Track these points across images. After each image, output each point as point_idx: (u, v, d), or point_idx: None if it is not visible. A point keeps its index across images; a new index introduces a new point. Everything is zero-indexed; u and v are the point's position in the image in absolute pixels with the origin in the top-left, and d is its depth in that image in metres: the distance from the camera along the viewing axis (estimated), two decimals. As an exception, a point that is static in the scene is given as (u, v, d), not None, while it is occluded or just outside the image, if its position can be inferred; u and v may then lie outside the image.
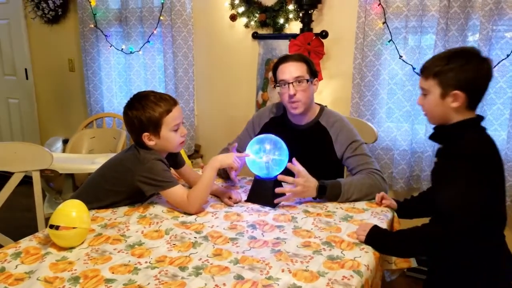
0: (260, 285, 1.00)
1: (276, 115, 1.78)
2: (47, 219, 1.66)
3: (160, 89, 2.88)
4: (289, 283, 1.01)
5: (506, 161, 2.03)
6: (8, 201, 1.77)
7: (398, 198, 1.55)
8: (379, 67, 2.27)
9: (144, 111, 1.37)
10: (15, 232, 1.70)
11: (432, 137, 1.27)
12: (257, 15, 2.58)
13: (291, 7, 2.46)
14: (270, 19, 2.54)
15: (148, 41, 2.86)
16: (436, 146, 2.14)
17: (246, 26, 2.65)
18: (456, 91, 1.14)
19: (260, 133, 1.72)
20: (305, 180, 1.46)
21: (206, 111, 2.96)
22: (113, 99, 3.15)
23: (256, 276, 1.03)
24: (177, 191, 1.40)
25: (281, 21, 2.51)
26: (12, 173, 1.75)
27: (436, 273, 1.30)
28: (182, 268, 1.07)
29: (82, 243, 1.20)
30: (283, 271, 1.06)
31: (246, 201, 1.53)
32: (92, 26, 3.00)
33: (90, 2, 2.95)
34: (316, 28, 2.37)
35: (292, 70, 1.60)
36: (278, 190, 1.45)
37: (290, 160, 1.47)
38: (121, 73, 3.11)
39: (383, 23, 2.20)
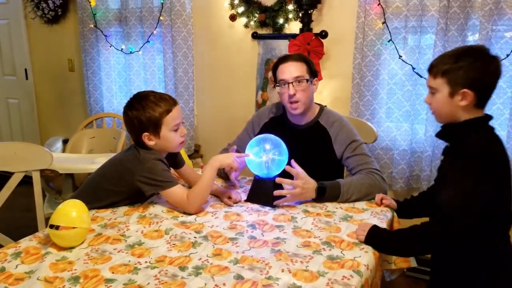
0: (260, 285, 1.00)
1: (275, 115, 1.78)
2: (47, 219, 1.66)
3: (160, 89, 2.88)
4: (289, 283, 1.01)
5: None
6: (8, 201, 1.77)
7: (397, 198, 1.55)
8: (378, 67, 2.27)
9: (144, 111, 1.37)
10: (15, 232, 1.70)
11: (439, 135, 1.26)
12: (256, 15, 2.58)
13: (290, 7, 2.46)
14: (269, 19, 2.54)
15: (148, 41, 2.86)
16: (437, 145, 2.16)
17: (246, 26, 2.66)
18: (464, 90, 1.13)
19: (259, 133, 1.72)
20: (304, 182, 1.46)
21: (205, 111, 2.96)
22: (113, 99, 3.16)
23: (256, 276, 1.04)
24: (177, 191, 1.40)
25: (281, 21, 2.51)
26: (12, 173, 1.75)
27: (438, 273, 1.30)
28: (182, 268, 1.07)
29: (82, 243, 1.20)
30: (283, 271, 1.06)
31: (246, 201, 1.53)
32: (92, 26, 3.00)
33: (90, 2, 2.95)
34: (316, 28, 2.37)
35: (292, 70, 1.60)
36: (276, 192, 1.45)
37: (290, 160, 1.47)
38: (121, 73, 3.11)
39: (383, 23, 2.20)
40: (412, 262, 1.41)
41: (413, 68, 2.18)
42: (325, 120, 1.69)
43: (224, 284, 1.00)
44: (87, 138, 2.82)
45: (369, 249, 1.18)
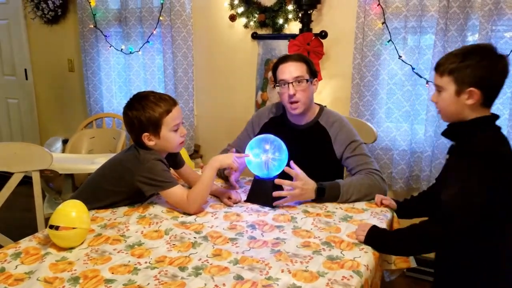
0: (260, 285, 1.00)
1: (275, 115, 1.78)
2: (46, 220, 1.66)
3: (160, 89, 2.88)
4: (289, 283, 1.01)
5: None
6: (7, 201, 1.77)
7: (397, 198, 1.55)
8: (378, 67, 2.27)
9: (144, 111, 1.37)
10: (15, 232, 1.70)
11: (445, 134, 1.25)
12: (256, 15, 2.58)
13: (290, 7, 2.46)
14: (269, 19, 2.54)
15: (148, 41, 2.86)
16: (436, 145, 2.16)
17: (246, 26, 2.66)
18: (471, 88, 1.13)
19: (259, 133, 1.72)
20: (303, 183, 1.46)
21: (205, 111, 2.96)
22: (113, 99, 3.16)
23: (255, 276, 1.04)
24: (177, 191, 1.40)
25: (281, 21, 2.51)
26: (12, 174, 1.75)
27: (440, 274, 1.30)
28: (182, 268, 1.07)
29: (82, 243, 1.20)
30: (282, 271, 1.06)
31: (246, 201, 1.53)
32: (92, 26, 3.00)
33: (89, 3, 2.95)
34: (316, 28, 2.37)
35: (292, 70, 1.60)
36: (276, 193, 1.45)
37: (289, 160, 1.47)
38: (121, 73, 3.11)
39: (383, 23, 2.21)
40: (412, 262, 1.41)
41: (413, 68, 2.18)
42: (325, 120, 1.69)
43: (224, 285, 1.00)
44: (87, 138, 2.82)
45: (368, 249, 1.18)
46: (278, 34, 2.54)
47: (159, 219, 1.36)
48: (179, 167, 1.61)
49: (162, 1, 2.75)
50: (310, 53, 2.29)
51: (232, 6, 2.66)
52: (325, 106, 1.78)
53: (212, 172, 1.42)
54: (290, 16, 2.49)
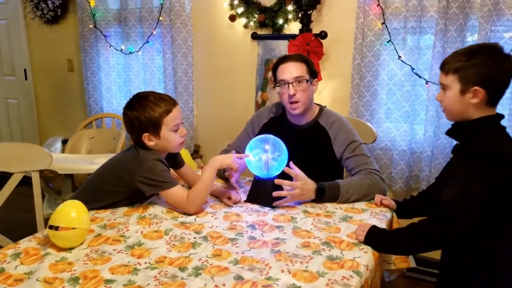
0: (260, 285, 1.00)
1: (275, 115, 1.78)
2: (46, 220, 1.65)
3: (160, 90, 2.88)
4: (289, 283, 1.01)
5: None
6: (7, 201, 1.77)
7: (397, 198, 1.55)
8: (378, 68, 2.27)
9: (144, 111, 1.37)
10: (14, 232, 1.70)
11: (449, 133, 1.25)
12: (256, 15, 2.58)
13: (290, 7, 2.46)
14: (269, 19, 2.54)
15: (148, 42, 2.86)
16: (436, 145, 2.16)
17: (245, 26, 2.66)
18: (476, 87, 1.13)
19: (259, 133, 1.72)
20: (303, 183, 1.46)
21: (205, 111, 2.96)
22: (113, 99, 3.15)
23: (255, 276, 1.04)
24: (177, 192, 1.40)
25: (280, 21, 2.51)
26: (11, 174, 1.75)
27: (441, 274, 1.30)
28: (182, 269, 1.07)
29: (82, 243, 1.20)
30: (282, 271, 1.06)
31: (246, 201, 1.53)
32: (92, 26, 3.00)
33: (89, 3, 2.95)
34: (315, 29, 2.37)
35: (292, 70, 1.60)
36: (276, 193, 1.45)
37: (289, 160, 1.47)
38: (121, 73, 3.11)
39: (382, 23, 2.21)
40: (411, 262, 1.41)
41: (412, 69, 2.18)
42: (324, 120, 1.69)
43: (224, 285, 1.00)
44: (87, 138, 2.82)
45: (368, 249, 1.18)
46: (278, 34, 2.54)
47: (159, 219, 1.36)
48: (179, 167, 1.61)
49: (162, 1, 2.75)
50: (310, 53, 2.29)
51: (232, 6, 2.66)
52: (325, 106, 1.78)
53: (212, 173, 1.42)
54: (290, 16, 2.49)
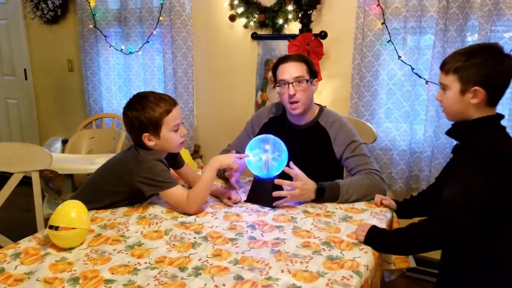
0: (260, 285, 1.00)
1: (275, 115, 1.78)
2: (46, 220, 1.65)
3: (160, 90, 2.88)
4: (289, 284, 1.01)
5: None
6: (7, 201, 1.77)
7: (397, 198, 1.55)
8: (378, 68, 2.27)
9: (144, 111, 1.37)
10: (14, 232, 1.70)
11: (449, 133, 1.25)
12: (256, 15, 2.58)
13: (290, 7, 2.47)
14: (269, 19, 2.54)
15: (148, 42, 2.86)
16: (436, 145, 2.16)
17: (245, 26, 2.66)
18: (476, 87, 1.13)
19: (259, 133, 1.72)
20: (303, 183, 1.46)
21: (205, 111, 2.96)
22: (112, 99, 3.15)
23: (255, 276, 1.04)
24: (177, 192, 1.40)
25: (280, 21, 2.51)
26: (11, 174, 1.75)
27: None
28: (182, 269, 1.07)
29: (82, 243, 1.20)
30: (282, 271, 1.06)
31: (246, 201, 1.53)
32: (92, 26, 3.00)
33: (89, 3, 2.95)
34: (315, 29, 2.37)
35: (292, 70, 1.60)
36: (276, 193, 1.45)
37: (289, 160, 1.47)
38: (120, 73, 3.11)
39: (382, 23, 2.21)
40: (411, 262, 1.41)
41: (412, 69, 2.18)
42: (324, 120, 1.69)
43: (224, 285, 1.00)
44: (87, 138, 2.82)
45: (368, 249, 1.18)
46: (278, 34, 2.54)
47: (159, 219, 1.36)
48: (179, 167, 1.61)
49: (162, 1, 2.75)
50: (310, 53, 2.29)
51: (232, 6, 2.66)
52: (325, 106, 1.79)
53: (212, 173, 1.42)
54: (290, 16, 2.49)
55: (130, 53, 2.93)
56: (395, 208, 1.48)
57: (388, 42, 2.22)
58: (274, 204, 1.46)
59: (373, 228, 1.22)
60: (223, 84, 2.85)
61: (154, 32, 2.82)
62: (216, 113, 2.92)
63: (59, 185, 2.36)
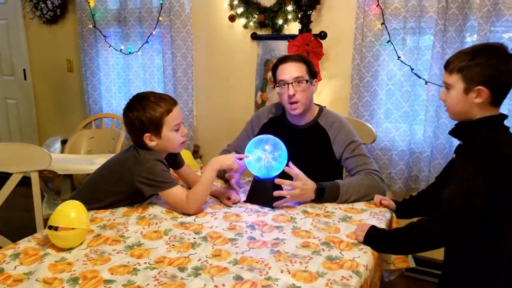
0: (260, 285, 1.00)
1: (275, 115, 1.78)
2: (46, 220, 1.65)
3: (159, 90, 2.88)
4: (288, 284, 1.01)
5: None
6: (6, 201, 1.76)
7: (396, 199, 1.55)
8: (377, 68, 2.27)
9: (145, 111, 1.37)
10: (14, 232, 1.70)
11: (452, 133, 1.25)
12: (256, 15, 2.58)
13: (290, 8, 2.47)
14: (269, 19, 2.54)
15: (147, 42, 2.86)
16: (435, 146, 2.17)
17: (245, 26, 2.66)
18: (480, 87, 1.13)
19: (259, 133, 1.72)
20: (303, 183, 1.46)
21: (205, 111, 2.96)
22: (112, 99, 3.15)
23: (255, 276, 1.04)
24: (176, 192, 1.40)
25: (280, 22, 2.51)
26: (10, 174, 1.75)
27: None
28: (181, 269, 1.07)
29: (81, 244, 1.20)
30: (282, 271, 1.06)
31: (245, 201, 1.53)
32: (91, 26, 3.00)
33: (88, 3, 2.95)
34: (315, 29, 2.37)
35: (291, 71, 1.60)
36: (276, 193, 1.45)
37: (289, 160, 1.47)
38: (120, 73, 3.11)
39: (382, 24, 2.21)
40: (411, 262, 1.41)
41: (412, 69, 2.18)
42: (324, 120, 1.69)
43: (223, 285, 1.00)
44: (86, 138, 2.81)
45: (368, 249, 1.18)
46: (277, 34, 2.54)
47: (158, 219, 1.36)
48: (179, 168, 1.61)
49: (161, 1, 2.75)
50: (309, 53, 2.29)
51: (231, 6, 2.66)
52: (325, 107, 1.79)
53: (212, 173, 1.42)
54: (289, 16, 2.49)
55: (130, 53, 2.93)
56: (394, 208, 1.48)
57: (387, 42, 2.22)
58: (274, 204, 1.46)
59: (373, 228, 1.23)
60: (222, 84, 2.85)
61: (154, 32, 2.82)
62: (215, 113, 2.92)
63: (58, 185, 2.35)
